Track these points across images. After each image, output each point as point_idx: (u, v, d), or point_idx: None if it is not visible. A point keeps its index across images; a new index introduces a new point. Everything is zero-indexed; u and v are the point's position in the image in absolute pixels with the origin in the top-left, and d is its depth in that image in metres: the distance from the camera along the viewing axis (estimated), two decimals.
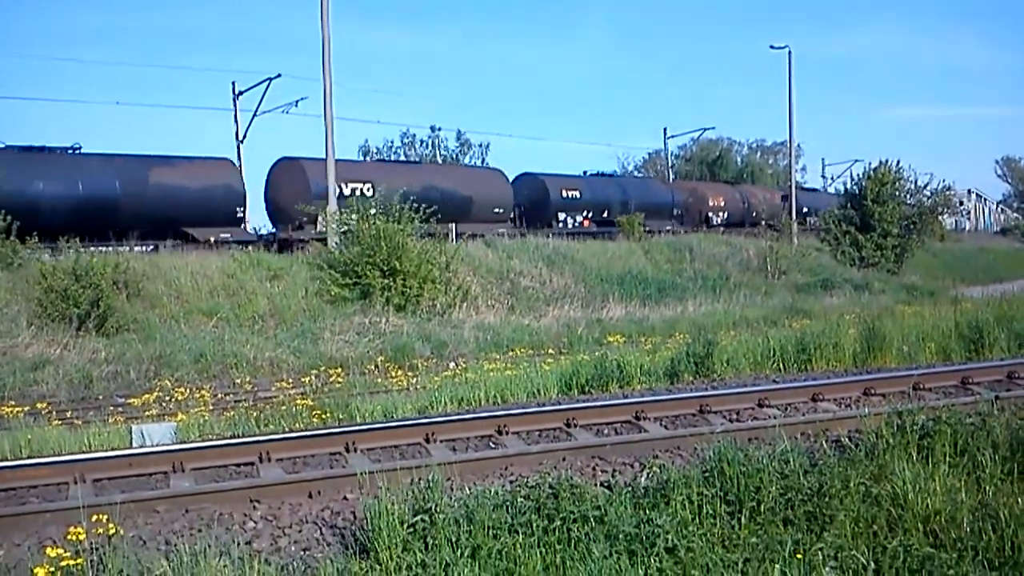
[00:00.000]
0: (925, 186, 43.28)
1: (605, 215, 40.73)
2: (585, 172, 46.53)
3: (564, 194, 39.82)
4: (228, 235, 28.18)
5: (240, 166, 34.59)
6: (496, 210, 35.73)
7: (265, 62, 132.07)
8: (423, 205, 24.34)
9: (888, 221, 39.73)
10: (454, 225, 30.24)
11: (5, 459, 8.23)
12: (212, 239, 27.35)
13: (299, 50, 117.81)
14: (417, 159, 35.51)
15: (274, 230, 31.83)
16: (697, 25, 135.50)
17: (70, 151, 27.38)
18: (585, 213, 40.31)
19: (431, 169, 37.20)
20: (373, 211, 24.15)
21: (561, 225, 38.60)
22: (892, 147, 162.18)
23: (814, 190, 63.46)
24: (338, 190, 27.68)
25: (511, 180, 38.75)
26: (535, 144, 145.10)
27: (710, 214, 47.27)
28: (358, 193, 28.66)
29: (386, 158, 36.45)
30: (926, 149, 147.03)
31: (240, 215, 29.54)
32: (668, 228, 41.88)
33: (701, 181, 57.77)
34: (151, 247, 25.49)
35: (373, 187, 29.51)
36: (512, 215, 36.93)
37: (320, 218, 27.89)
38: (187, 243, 26.66)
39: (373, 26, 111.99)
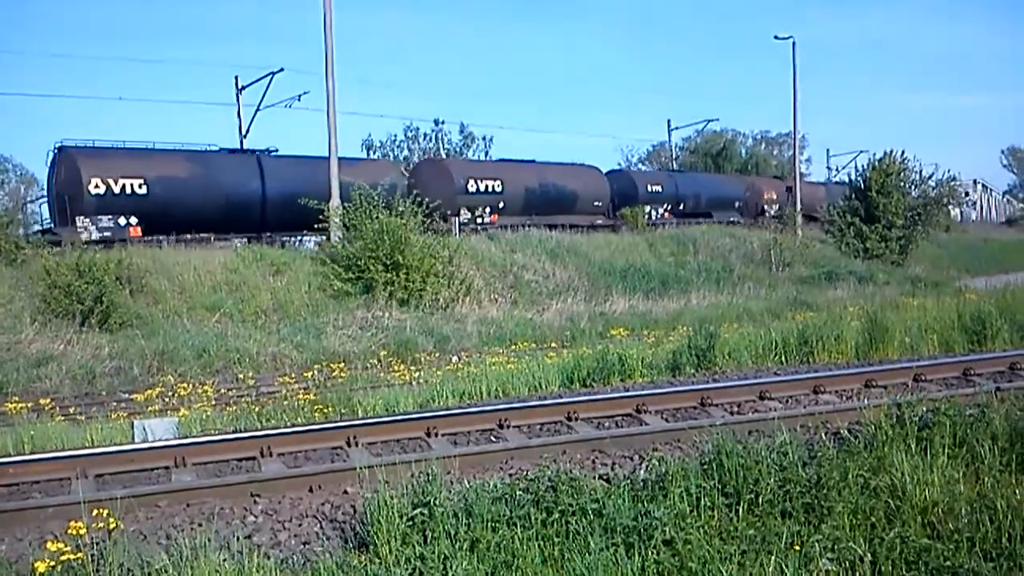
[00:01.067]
0: (930, 177, 43.24)
1: (682, 207, 44.80)
2: (672, 168, 52.61)
3: (649, 188, 43.72)
4: None
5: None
6: (596, 203, 39.17)
7: (268, 55, 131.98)
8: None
9: (893, 212, 39.62)
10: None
11: (8, 454, 8.27)
12: None
13: (302, 42, 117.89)
14: (493, 156, 37.37)
15: None
16: (700, 13, 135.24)
17: (267, 153, 30.67)
18: (666, 206, 44.02)
19: (543, 167, 39.54)
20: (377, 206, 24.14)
21: (646, 216, 41.56)
22: (897, 136, 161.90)
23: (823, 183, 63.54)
24: (470, 186, 33.37)
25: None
26: (538, 137, 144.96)
27: (765, 206, 50.07)
28: (486, 189, 34.11)
29: (507, 157, 38.72)
30: (932, 138, 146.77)
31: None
32: (732, 220, 44.99)
33: (759, 176, 59.76)
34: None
35: (503, 183, 34.90)
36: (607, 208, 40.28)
37: (462, 212, 32.81)
38: None
39: (374, 15, 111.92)
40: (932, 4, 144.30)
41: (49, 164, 27.55)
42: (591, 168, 42.25)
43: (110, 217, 26.04)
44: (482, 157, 38.26)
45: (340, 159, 27.46)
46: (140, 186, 26.41)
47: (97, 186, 25.77)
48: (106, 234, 25.54)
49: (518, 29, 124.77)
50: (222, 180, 28.35)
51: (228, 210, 28.03)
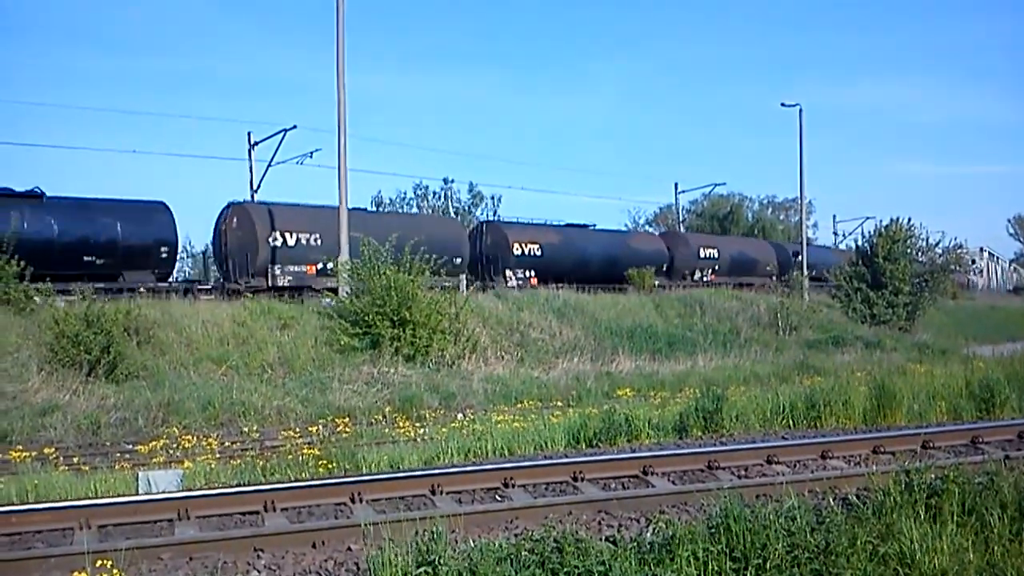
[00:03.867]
0: (936, 244, 43.34)
1: (727, 269, 47.78)
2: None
3: (702, 253, 47.39)
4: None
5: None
6: (651, 266, 41.38)
7: (280, 113, 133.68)
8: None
9: (900, 279, 39.63)
10: None
11: (11, 503, 8.24)
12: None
13: (314, 101, 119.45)
14: (545, 220, 40.22)
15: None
16: (708, 80, 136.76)
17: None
18: (715, 267, 47.27)
19: (598, 234, 44.07)
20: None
21: (697, 277, 45.65)
22: (904, 203, 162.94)
23: (826, 247, 63.82)
24: (522, 249, 37.05)
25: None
26: (546, 197, 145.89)
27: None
28: (530, 253, 37.45)
29: (560, 222, 42.73)
30: (938, 206, 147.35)
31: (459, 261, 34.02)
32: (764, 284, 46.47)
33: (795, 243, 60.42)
34: None
35: (543, 248, 38.12)
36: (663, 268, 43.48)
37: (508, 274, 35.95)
38: None
39: (385, 76, 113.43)
40: (938, 75, 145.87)
41: (218, 219, 30.33)
42: (651, 235, 49.69)
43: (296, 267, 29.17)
44: (536, 219, 41.58)
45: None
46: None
47: (275, 239, 28.75)
48: (289, 279, 28.88)
49: (526, 91, 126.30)
50: None
51: None
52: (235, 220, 29.80)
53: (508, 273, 36.91)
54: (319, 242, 29.32)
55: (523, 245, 37.80)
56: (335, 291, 25.83)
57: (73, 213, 26.29)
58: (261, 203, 32.08)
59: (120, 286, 25.75)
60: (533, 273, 37.73)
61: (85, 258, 25.97)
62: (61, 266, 24.70)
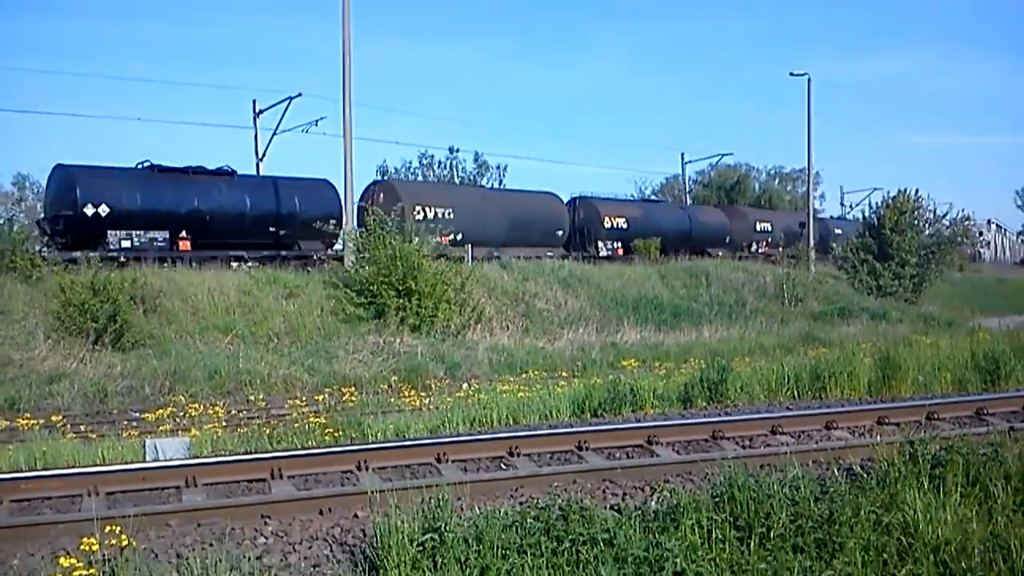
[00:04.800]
0: (944, 215, 43.21)
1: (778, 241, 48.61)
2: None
3: (758, 227, 50.41)
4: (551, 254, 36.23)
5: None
6: (713, 238, 45.53)
7: (285, 81, 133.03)
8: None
9: (906, 250, 39.57)
10: None
11: (20, 470, 8.31)
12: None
13: (319, 68, 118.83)
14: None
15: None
16: (715, 50, 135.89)
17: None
18: (768, 240, 49.23)
19: (672, 208, 49.33)
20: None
21: (753, 248, 48.45)
22: (911, 175, 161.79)
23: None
24: (612, 223, 40.29)
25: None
26: (552, 167, 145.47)
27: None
28: (618, 226, 40.57)
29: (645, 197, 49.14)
30: (945, 178, 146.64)
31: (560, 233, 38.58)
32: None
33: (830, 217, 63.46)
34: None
35: (629, 221, 41.33)
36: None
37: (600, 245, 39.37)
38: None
39: (390, 44, 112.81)
40: (946, 46, 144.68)
41: (363, 193, 32.87)
42: (718, 209, 51.40)
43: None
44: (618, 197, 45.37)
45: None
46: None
47: (418, 213, 31.04)
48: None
49: (532, 61, 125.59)
50: None
51: None
52: (381, 195, 32.20)
53: (600, 244, 40.33)
54: (451, 215, 32.90)
55: (612, 219, 41.07)
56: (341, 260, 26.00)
57: (260, 189, 29.54)
58: (404, 180, 37.91)
59: (298, 254, 29.06)
60: (620, 244, 40.94)
61: (270, 229, 29.00)
62: (251, 235, 28.52)
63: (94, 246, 24.89)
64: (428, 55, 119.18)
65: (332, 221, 28.33)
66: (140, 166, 27.63)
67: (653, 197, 44.23)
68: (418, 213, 31.47)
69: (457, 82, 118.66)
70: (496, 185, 56.72)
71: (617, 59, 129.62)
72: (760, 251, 47.92)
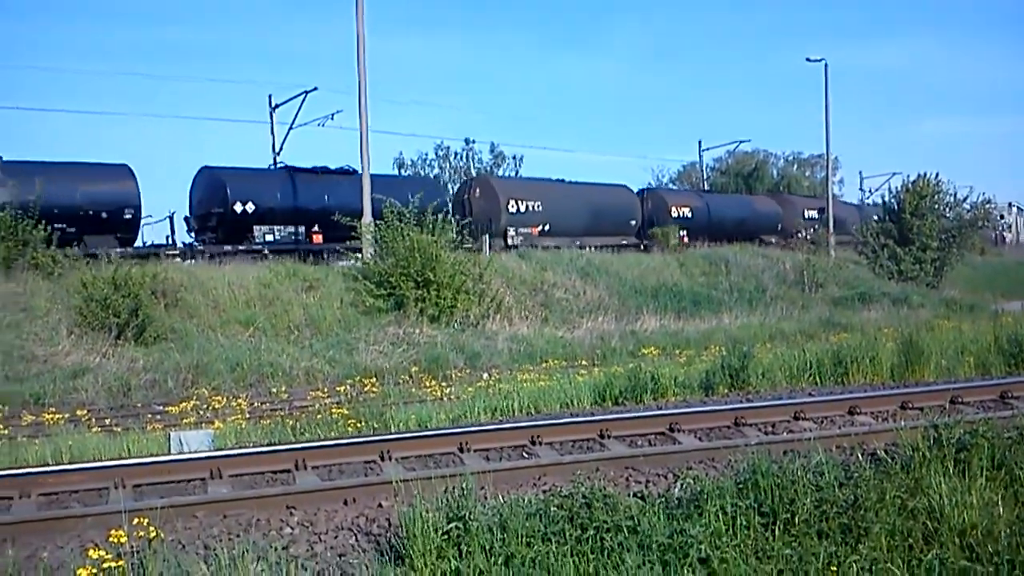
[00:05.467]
0: (964, 199, 42.86)
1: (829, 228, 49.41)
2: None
3: (806, 214, 51.77)
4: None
5: None
6: (767, 226, 47.40)
7: (301, 75, 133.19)
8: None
9: (927, 235, 39.23)
10: None
11: (47, 464, 8.39)
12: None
13: (335, 62, 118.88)
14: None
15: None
16: (732, 36, 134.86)
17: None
18: (815, 227, 49.81)
19: (729, 198, 52.33)
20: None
21: (801, 235, 48.74)
22: (931, 159, 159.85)
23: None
24: (678, 212, 42.26)
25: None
26: (568, 156, 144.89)
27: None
28: (682, 215, 42.44)
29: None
30: (966, 161, 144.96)
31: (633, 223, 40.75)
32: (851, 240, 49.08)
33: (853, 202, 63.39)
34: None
35: (705, 209, 44.18)
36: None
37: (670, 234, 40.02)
38: None
39: (405, 37, 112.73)
40: (965, 29, 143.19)
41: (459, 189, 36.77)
42: (767, 198, 53.13)
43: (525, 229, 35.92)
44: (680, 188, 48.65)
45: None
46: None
47: (512, 206, 35.28)
48: (520, 239, 35.10)
49: (547, 50, 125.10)
50: None
51: None
52: (478, 191, 36.30)
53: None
54: (540, 207, 36.01)
55: (678, 208, 43.12)
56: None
57: (379, 187, 29.99)
58: (499, 177, 43.16)
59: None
60: (685, 233, 41.92)
61: None
62: None
63: (240, 240, 28.36)
64: (442, 46, 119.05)
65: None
66: (274, 167, 30.98)
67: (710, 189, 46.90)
68: (511, 206, 35.20)
69: (472, 73, 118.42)
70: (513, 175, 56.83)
71: (632, 48, 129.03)
72: (807, 237, 48.56)
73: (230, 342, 19.78)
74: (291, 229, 29.63)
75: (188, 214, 30.30)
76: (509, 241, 34.82)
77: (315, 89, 38.05)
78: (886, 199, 43.26)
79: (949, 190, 41.62)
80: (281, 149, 39.70)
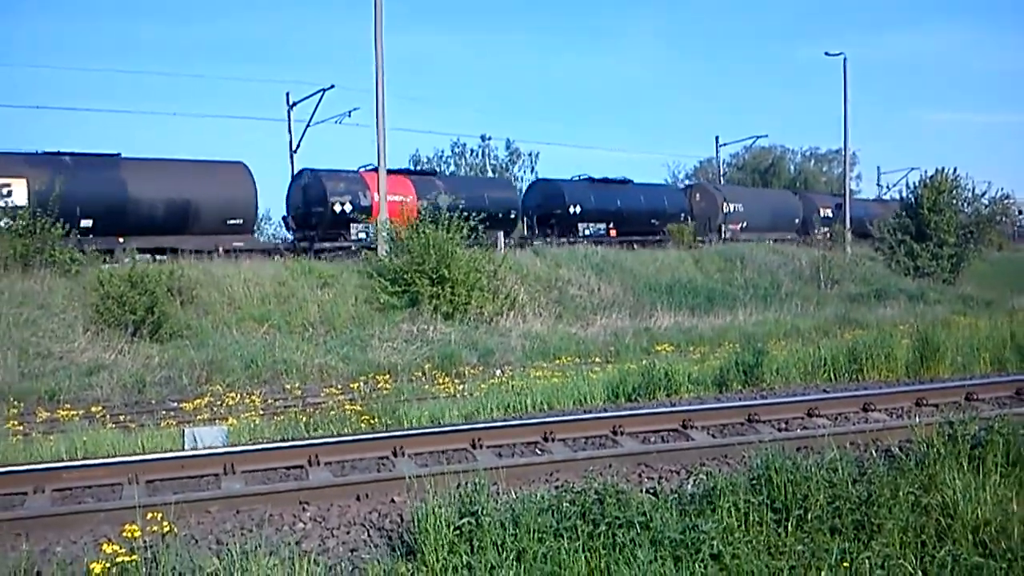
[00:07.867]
0: (983, 194, 42.57)
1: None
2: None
3: (821, 212, 52.88)
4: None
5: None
6: (790, 221, 49.25)
7: (318, 73, 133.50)
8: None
9: (944, 230, 38.99)
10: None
11: (62, 460, 8.43)
12: None
13: (352, 60, 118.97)
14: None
15: None
16: (748, 31, 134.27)
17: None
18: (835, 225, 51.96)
19: (775, 193, 56.08)
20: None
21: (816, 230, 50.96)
22: (949, 154, 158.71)
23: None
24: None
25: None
26: (585, 153, 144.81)
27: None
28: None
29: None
30: (985, 156, 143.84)
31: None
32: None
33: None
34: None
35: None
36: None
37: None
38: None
39: (422, 34, 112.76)
40: (984, 23, 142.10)
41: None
42: (789, 193, 55.07)
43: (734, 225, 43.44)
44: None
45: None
46: None
47: (727, 208, 43.10)
48: (729, 234, 41.90)
49: (563, 47, 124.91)
50: None
51: None
52: (698, 195, 44.28)
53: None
54: (742, 209, 43.66)
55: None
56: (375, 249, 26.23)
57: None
58: (716, 183, 51.47)
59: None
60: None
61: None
62: None
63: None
64: (459, 43, 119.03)
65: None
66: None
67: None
68: (726, 207, 43.39)
69: (488, 70, 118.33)
70: (528, 172, 57.28)
71: (648, 44, 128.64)
72: (829, 235, 49.27)
73: (245, 339, 19.87)
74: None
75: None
76: (722, 235, 42.24)
77: (332, 87, 38.21)
78: (903, 195, 43.06)
79: (967, 185, 41.40)
80: (299, 146, 39.87)
